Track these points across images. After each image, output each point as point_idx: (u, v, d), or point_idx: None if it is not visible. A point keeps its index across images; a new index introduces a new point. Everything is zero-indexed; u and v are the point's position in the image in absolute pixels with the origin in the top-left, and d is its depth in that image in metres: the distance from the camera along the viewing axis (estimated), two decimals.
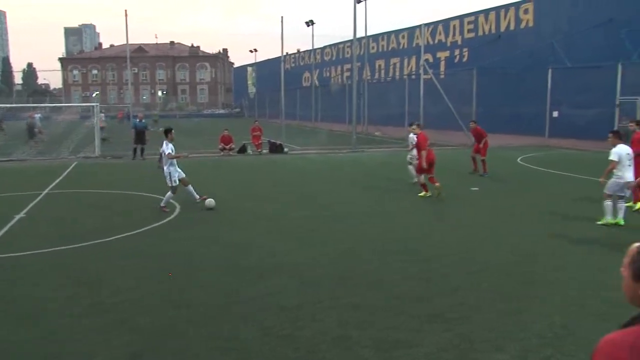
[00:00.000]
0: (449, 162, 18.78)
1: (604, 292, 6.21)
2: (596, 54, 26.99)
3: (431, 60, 39.37)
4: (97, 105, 27.74)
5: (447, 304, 6.06)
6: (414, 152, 13.74)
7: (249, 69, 79.17)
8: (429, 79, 30.35)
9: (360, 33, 37.38)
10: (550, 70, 28.97)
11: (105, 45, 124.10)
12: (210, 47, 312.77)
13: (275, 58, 59.73)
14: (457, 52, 40.35)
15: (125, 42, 31.70)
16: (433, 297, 6.31)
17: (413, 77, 38.51)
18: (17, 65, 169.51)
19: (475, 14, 39.11)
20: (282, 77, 34.21)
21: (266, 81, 66.08)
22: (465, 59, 38.91)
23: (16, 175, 18.77)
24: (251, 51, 68.89)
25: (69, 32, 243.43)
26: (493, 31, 37.14)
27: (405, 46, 46.35)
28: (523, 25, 34.63)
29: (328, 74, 59.55)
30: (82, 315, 5.95)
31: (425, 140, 13.11)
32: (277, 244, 8.89)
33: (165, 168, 11.71)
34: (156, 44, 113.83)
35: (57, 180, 16.61)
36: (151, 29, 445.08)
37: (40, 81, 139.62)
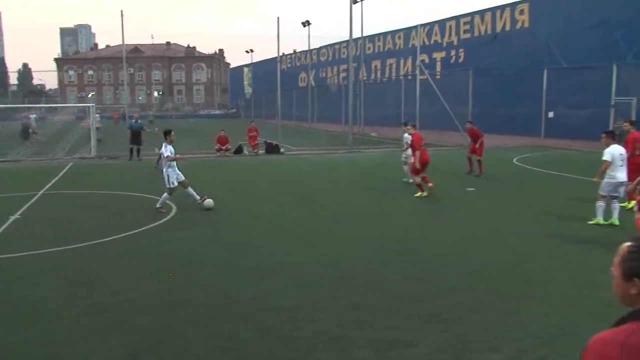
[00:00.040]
0: (445, 163, 18.84)
1: (602, 292, 6.21)
2: (591, 54, 27.08)
3: (427, 60, 39.39)
4: (92, 106, 27.66)
5: (446, 304, 6.08)
6: (409, 151, 13.86)
7: (245, 69, 79.19)
8: (425, 80, 30.43)
9: (357, 34, 37.41)
10: (545, 71, 29.08)
11: (101, 46, 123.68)
12: (206, 47, 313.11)
13: (272, 58, 59.51)
14: (453, 52, 40.47)
15: (121, 43, 31.45)
16: (432, 297, 6.33)
17: (409, 77, 38.54)
18: (13, 66, 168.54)
19: (471, 14, 39.24)
20: (278, 77, 34.17)
21: (262, 82, 65.94)
22: (461, 60, 39.03)
23: (11, 175, 18.69)
24: (247, 52, 68.91)
25: (65, 33, 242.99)
26: (489, 32, 37.26)
27: (402, 47, 46.43)
28: (519, 25, 34.76)
29: (324, 74, 59.59)
30: (81, 316, 5.94)
31: (420, 140, 13.23)
32: (277, 244, 8.90)
33: (163, 170, 11.71)
34: (152, 44, 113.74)
35: (52, 181, 16.56)
36: (147, 29, 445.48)
37: (35, 82, 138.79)
